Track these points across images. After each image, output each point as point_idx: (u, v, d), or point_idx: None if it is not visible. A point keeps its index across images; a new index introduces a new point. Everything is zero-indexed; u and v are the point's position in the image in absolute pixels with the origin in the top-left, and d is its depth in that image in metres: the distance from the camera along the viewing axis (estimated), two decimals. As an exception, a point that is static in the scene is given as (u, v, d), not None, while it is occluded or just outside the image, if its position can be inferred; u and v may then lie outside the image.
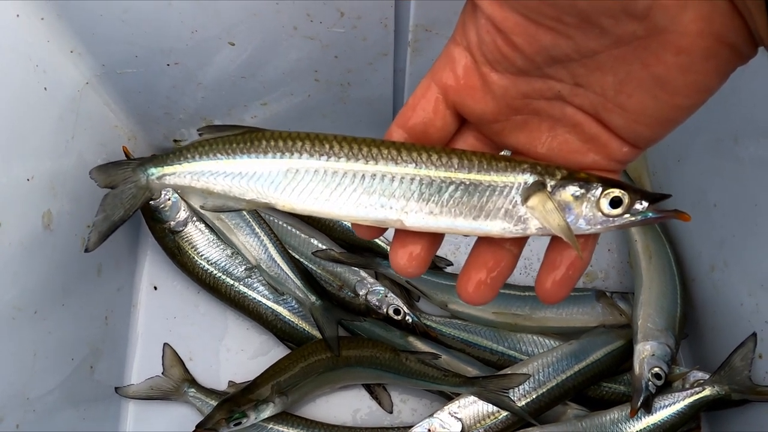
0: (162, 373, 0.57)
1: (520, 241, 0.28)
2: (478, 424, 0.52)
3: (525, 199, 0.26)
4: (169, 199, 0.58)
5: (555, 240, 0.27)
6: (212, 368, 0.59)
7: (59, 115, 0.49)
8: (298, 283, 0.56)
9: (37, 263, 0.44)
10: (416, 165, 0.25)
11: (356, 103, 0.60)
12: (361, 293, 0.59)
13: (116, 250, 0.59)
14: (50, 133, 0.47)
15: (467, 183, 0.25)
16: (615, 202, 0.24)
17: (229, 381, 0.56)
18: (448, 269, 0.62)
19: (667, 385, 0.52)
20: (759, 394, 0.48)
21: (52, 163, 0.48)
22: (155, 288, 0.62)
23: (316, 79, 0.57)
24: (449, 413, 0.52)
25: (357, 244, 0.62)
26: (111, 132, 0.58)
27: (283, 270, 0.57)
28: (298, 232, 0.62)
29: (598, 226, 0.25)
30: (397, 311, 0.58)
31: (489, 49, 0.25)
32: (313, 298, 0.56)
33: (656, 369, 0.51)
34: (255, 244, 0.58)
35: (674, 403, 0.51)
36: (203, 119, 0.62)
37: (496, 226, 0.26)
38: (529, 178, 0.26)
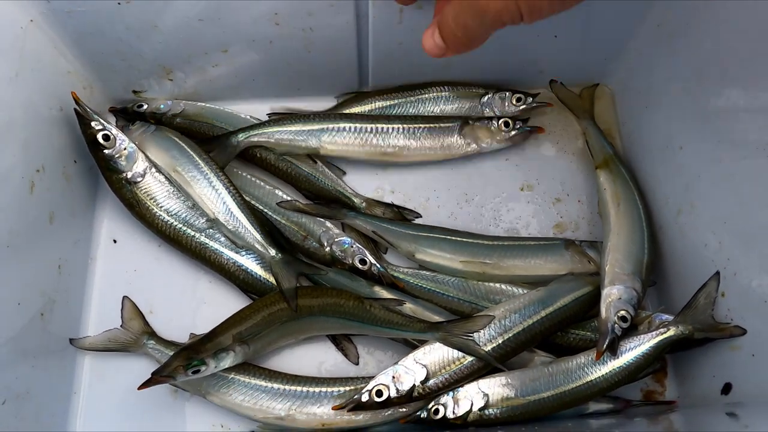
0: (120, 326, 0.55)
1: None
2: (443, 370, 0.51)
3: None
4: (125, 149, 0.56)
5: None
6: (173, 321, 0.57)
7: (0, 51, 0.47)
8: (258, 236, 0.55)
9: (-23, 201, 0.43)
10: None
11: (320, 52, 0.59)
12: (326, 243, 0.58)
13: (71, 200, 0.57)
14: (-10, 68, 0.45)
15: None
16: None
17: (191, 333, 0.55)
18: (417, 221, 0.62)
19: (632, 328, 0.52)
20: (720, 331, 0.48)
21: (-5, 102, 0.46)
22: (114, 241, 0.61)
23: (276, 23, 0.55)
24: (414, 360, 0.51)
25: (323, 196, 0.61)
26: (64, 78, 0.56)
27: (241, 223, 0.56)
28: (261, 183, 0.60)
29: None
30: (362, 261, 0.57)
31: None
32: (272, 251, 0.54)
33: (622, 312, 0.50)
34: (212, 197, 0.56)
35: (639, 345, 0.51)
36: (162, 68, 0.60)
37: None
38: None
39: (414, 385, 0.50)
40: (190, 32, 0.55)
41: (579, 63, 0.63)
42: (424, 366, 0.51)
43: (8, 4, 0.47)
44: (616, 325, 0.50)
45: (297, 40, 0.57)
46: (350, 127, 0.60)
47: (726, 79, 0.47)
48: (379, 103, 0.64)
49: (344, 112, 0.63)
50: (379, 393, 0.50)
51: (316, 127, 0.60)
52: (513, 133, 0.61)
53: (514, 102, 0.62)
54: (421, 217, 0.61)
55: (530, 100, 0.62)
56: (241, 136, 0.59)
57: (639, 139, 0.61)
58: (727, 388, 0.48)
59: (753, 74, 0.44)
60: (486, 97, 0.63)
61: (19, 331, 0.47)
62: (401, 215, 0.61)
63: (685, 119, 0.53)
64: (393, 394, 0.50)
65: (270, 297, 0.53)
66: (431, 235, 0.58)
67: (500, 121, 0.61)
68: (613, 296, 0.52)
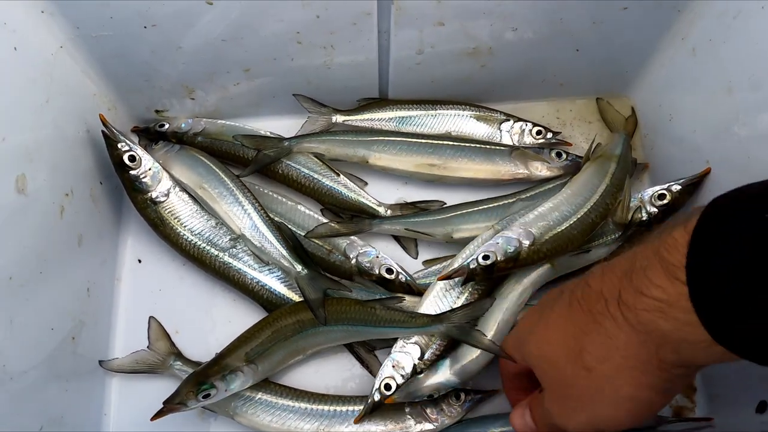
0: (147, 347, 0.55)
1: None
2: (433, 339, 0.52)
3: None
4: (150, 169, 0.57)
5: None
6: (199, 341, 0.57)
7: (32, 78, 0.47)
8: (283, 252, 0.55)
9: (10, 228, 0.43)
10: None
11: (341, 67, 0.59)
12: (351, 256, 0.58)
13: (98, 222, 0.57)
14: (22, 96, 0.46)
15: None
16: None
17: (216, 353, 0.55)
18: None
19: (489, 268, 0.50)
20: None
21: (26, 127, 0.46)
22: (139, 261, 0.61)
23: (298, 42, 0.55)
24: (403, 343, 0.52)
25: (346, 208, 0.61)
26: (90, 100, 0.57)
27: (267, 239, 0.56)
28: (284, 199, 0.61)
29: None
30: (389, 271, 0.57)
31: None
32: (298, 267, 0.54)
33: (489, 252, 0.50)
34: (239, 213, 0.57)
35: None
36: (185, 88, 0.61)
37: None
38: None
39: (414, 363, 0.51)
40: (213, 52, 0.56)
41: (600, 75, 0.63)
42: (416, 343, 0.52)
43: (40, 31, 0.48)
44: (474, 260, 0.50)
45: (318, 57, 0.57)
46: (400, 140, 0.61)
47: (757, 93, 0.47)
48: (399, 113, 0.64)
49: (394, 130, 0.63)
50: (388, 387, 0.50)
51: (367, 138, 0.61)
52: (565, 163, 0.60)
53: (533, 134, 0.62)
54: (445, 203, 0.61)
55: (550, 135, 0.62)
56: (294, 141, 0.61)
57: (661, 151, 0.61)
58: (762, 407, 0.47)
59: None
60: (506, 124, 0.63)
61: (50, 354, 0.47)
62: (425, 206, 0.61)
63: (712, 133, 0.53)
64: (399, 381, 0.50)
65: (274, 314, 0.54)
66: (464, 211, 0.58)
67: (553, 151, 0.60)
68: (496, 238, 0.51)
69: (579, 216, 0.52)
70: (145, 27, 0.51)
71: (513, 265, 0.51)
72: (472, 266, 0.50)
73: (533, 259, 0.52)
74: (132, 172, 0.56)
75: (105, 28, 0.51)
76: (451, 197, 0.62)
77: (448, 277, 0.51)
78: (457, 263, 0.53)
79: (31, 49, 0.47)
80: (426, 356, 0.51)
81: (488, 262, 0.50)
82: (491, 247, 0.51)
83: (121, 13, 0.49)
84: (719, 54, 0.50)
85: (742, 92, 0.48)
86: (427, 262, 0.60)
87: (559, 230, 0.52)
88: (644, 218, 0.55)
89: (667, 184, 0.55)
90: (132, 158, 0.56)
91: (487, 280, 0.52)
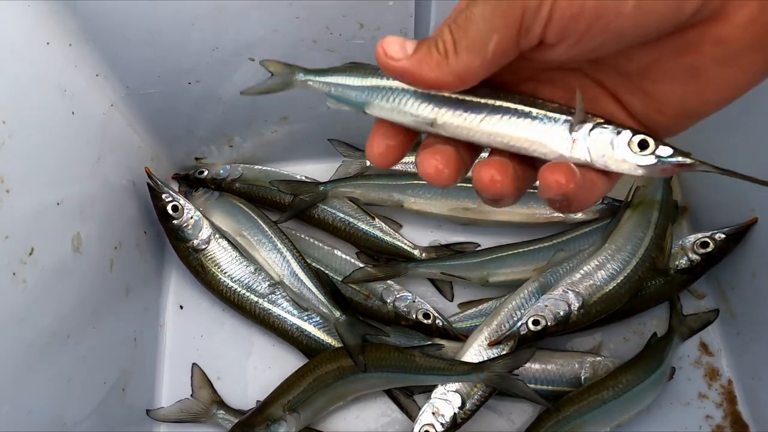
0: (191, 395, 0.56)
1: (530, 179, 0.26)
2: (475, 389, 0.51)
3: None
4: (191, 218, 0.58)
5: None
6: (240, 387, 0.58)
7: (86, 139, 0.49)
8: (322, 298, 0.56)
9: (68, 287, 0.44)
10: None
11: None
12: (388, 300, 0.58)
13: (143, 271, 0.59)
14: (78, 157, 0.48)
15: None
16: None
17: (257, 400, 0.56)
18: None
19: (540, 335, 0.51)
20: None
21: (80, 187, 0.48)
22: (181, 307, 0.62)
23: (336, 92, 0.56)
24: (444, 390, 0.51)
25: (382, 251, 0.61)
26: (135, 152, 0.58)
27: (306, 285, 0.56)
28: (320, 244, 0.61)
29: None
30: (426, 315, 0.57)
31: None
32: (337, 313, 0.55)
33: (538, 317, 0.50)
34: (277, 260, 0.57)
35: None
36: (224, 135, 0.62)
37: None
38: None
39: (455, 413, 0.50)
40: (252, 102, 0.57)
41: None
42: (456, 391, 0.51)
43: (93, 93, 0.49)
44: (524, 325, 0.50)
45: (354, 105, 0.58)
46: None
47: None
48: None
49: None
50: None
51: (401, 182, 0.61)
52: (601, 207, 0.60)
53: None
54: (479, 245, 0.61)
55: None
56: (329, 186, 0.61)
57: (702, 194, 0.60)
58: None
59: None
60: None
61: (101, 405, 0.48)
62: (460, 249, 0.61)
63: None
64: (439, 429, 0.50)
65: (314, 361, 0.54)
66: (499, 255, 0.58)
67: None
68: (545, 300, 0.51)
69: (626, 274, 0.52)
70: (189, 83, 0.53)
71: (563, 328, 0.51)
72: (522, 331, 0.51)
73: (583, 322, 0.52)
74: (175, 222, 0.57)
75: (153, 86, 0.52)
76: (486, 239, 0.62)
77: (498, 342, 0.51)
78: (501, 316, 0.53)
79: (85, 111, 0.49)
80: (467, 406, 0.51)
81: (539, 327, 0.50)
82: (540, 311, 0.51)
83: (168, 71, 0.51)
84: (762, 94, 0.50)
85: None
86: (463, 305, 0.60)
87: (607, 290, 0.52)
88: (686, 265, 0.55)
89: (711, 233, 0.54)
90: (175, 208, 0.57)
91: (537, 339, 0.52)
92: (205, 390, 0.56)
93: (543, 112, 0.25)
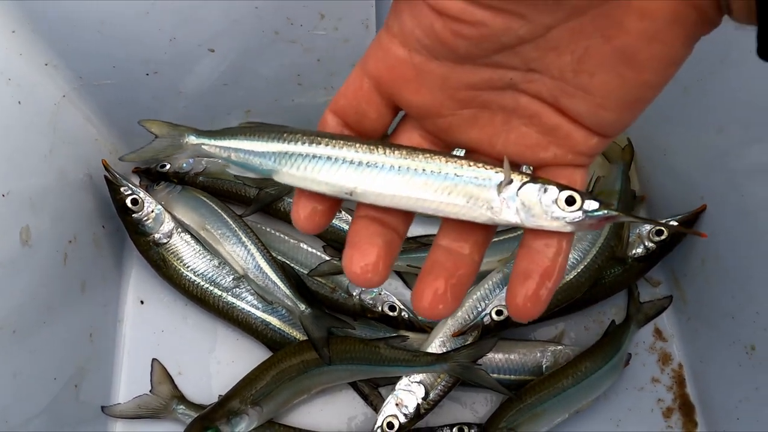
0: (150, 391, 0.55)
1: (481, 248, 0.25)
2: (438, 380, 0.52)
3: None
4: (152, 211, 0.57)
5: (525, 248, 0.24)
6: (202, 381, 0.57)
7: (36, 130, 0.48)
8: (287, 291, 0.55)
9: (14, 281, 0.43)
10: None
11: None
12: (354, 293, 0.58)
13: (101, 265, 0.57)
14: (26, 148, 0.46)
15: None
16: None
17: (219, 395, 0.55)
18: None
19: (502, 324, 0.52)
20: None
21: (30, 179, 0.47)
22: (141, 302, 0.61)
23: (299, 83, 0.56)
24: (408, 380, 0.52)
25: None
26: (92, 145, 0.57)
27: (270, 279, 0.56)
28: (286, 237, 0.61)
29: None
30: (392, 308, 0.57)
31: (426, 35, 0.22)
32: (302, 306, 0.55)
33: (501, 307, 0.52)
34: (241, 254, 0.57)
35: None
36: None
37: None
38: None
39: (418, 403, 0.51)
40: (214, 96, 0.56)
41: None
42: (420, 382, 0.52)
43: (43, 83, 0.48)
44: (487, 316, 0.52)
45: (319, 96, 0.58)
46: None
47: (747, 133, 0.48)
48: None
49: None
50: (390, 425, 0.51)
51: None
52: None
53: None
54: None
55: None
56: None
57: (657, 184, 0.62)
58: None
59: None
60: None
61: (52, 403, 0.47)
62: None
63: (706, 169, 0.54)
64: (402, 420, 0.51)
65: (277, 355, 0.54)
66: None
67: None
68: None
69: (586, 263, 0.53)
70: (147, 74, 0.52)
71: None
72: (486, 322, 0.52)
73: (546, 311, 0.52)
74: (135, 215, 0.56)
75: (108, 76, 0.51)
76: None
77: (462, 333, 0.52)
78: (465, 307, 0.53)
79: (34, 101, 0.47)
80: (431, 396, 0.52)
81: (502, 317, 0.51)
82: (503, 301, 0.52)
83: (124, 62, 0.50)
84: (710, 94, 0.52)
85: (732, 132, 0.49)
86: (430, 297, 0.60)
87: (568, 279, 0.53)
88: (642, 253, 0.56)
89: (665, 221, 0.56)
90: (134, 201, 0.56)
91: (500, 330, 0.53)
92: (165, 385, 0.55)
93: (471, 174, 0.24)
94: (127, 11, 0.45)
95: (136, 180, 0.63)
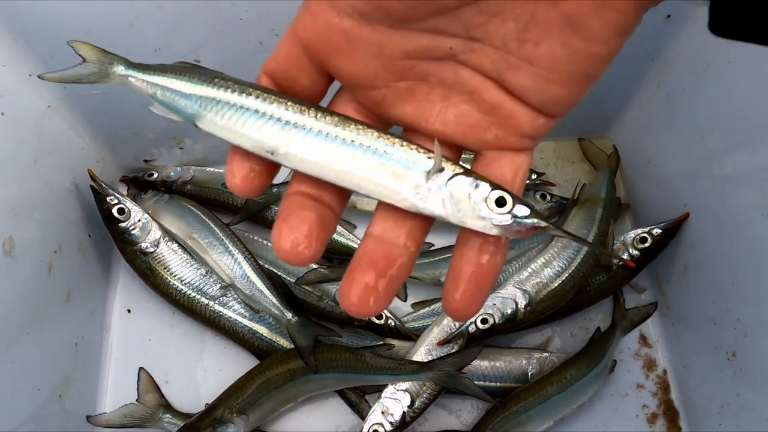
0: (136, 400, 0.55)
1: (417, 238, 0.23)
2: (424, 388, 0.52)
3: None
4: (139, 220, 0.57)
5: (460, 247, 0.23)
6: (189, 390, 0.57)
7: (20, 140, 0.48)
8: (274, 300, 0.56)
9: (-3, 292, 0.43)
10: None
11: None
12: (340, 304, 0.58)
13: (87, 275, 0.58)
14: (10, 159, 0.46)
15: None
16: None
17: (206, 403, 0.55)
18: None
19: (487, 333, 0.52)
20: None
21: (14, 189, 0.47)
22: (129, 311, 0.61)
23: (285, 94, 0.56)
24: (394, 389, 0.52)
25: (335, 252, 0.62)
26: (78, 154, 0.57)
27: (257, 287, 0.56)
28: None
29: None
30: (378, 316, 0.57)
31: None
32: (289, 315, 0.55)
33: (486, 316, 0.52)
34: (229, 263, 0.57)
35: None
36: (173, 138, 0.62)
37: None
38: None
39: (404, 411, 0.51)
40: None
41: (582, 117, 0.65)
42: (406, 390, 0.52)
43: (27, 94, 0.48)
44: (472, 324, 0.52)
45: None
46: None
47: (727, 141, 0.49)
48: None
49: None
50: None
51: None
52: (550, 204, 0.61)
53: None
54: (434, 245, 0.62)
55: (534, 176, 0.63)
56: (282, 187, 0.60)
57: (642, 191, 0.63)
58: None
59: (754, 136, 0.46)
60: None
61: (36, 413, 0.47)
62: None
63: (689, 177, 0.54)
64: (388, 428, 0.51)
65: (264, 363, 0.54)
66: (450, 255, 0.58)
67: (537, 194, 0.61)
68: (493, 298, 0.53)
69: (571, 271, 0.54)
70: (133, 84, 0.52)
71: (511, 326, 0.52)
72: (471, 330, 0.52)
73: (529, 319, 0.53)
74: (121, 225, 0.56)
75: (93, 87, 0.51)
76: (439, 239, 0.63)
77: (447, 341, 0.52)
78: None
79: (18, 112, 0.47)
80: (416, 404, 0.52)
81: (487, 326, 0.52)
82: (488, 309, 0.52)
83: (109, 72, 0.50)
84: (692, 102, 0.52)
85: (714, 139, 0.50)
86: (416, 305, 0.61)
87: (553, 287, 0.53)
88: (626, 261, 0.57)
89: (648, 228, 0.56)
90: (121, 211, 0.56)
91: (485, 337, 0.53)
92: (152, 394, 0.55)
93: (401, 154, 0.22)
94: (112, 22, 0.45)
95: (123, 188, 0.64)
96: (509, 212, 0.22)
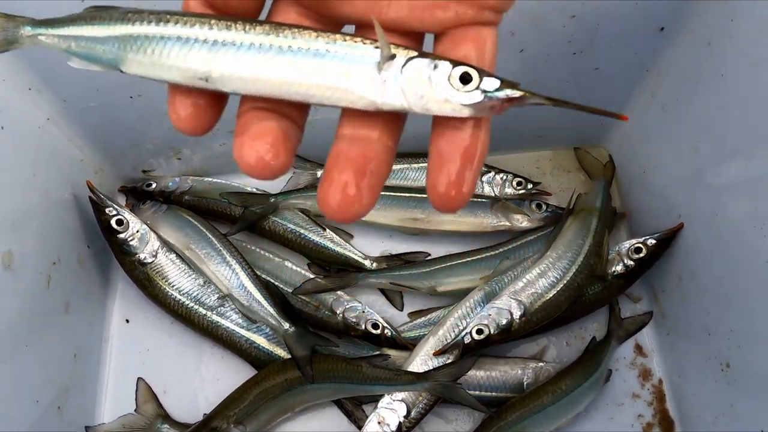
0: (135, 410, 0.56)
1: (393, 132, 0.21)
2: (420, 398, 0.52)
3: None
4: (137, 231, 0.57)
5: (436, 129, 0.20)
6: (188, 400, 0.58)
7: (19, 153, 0.48)
8: (271, 310, 0.56)
9: (-4, 306, 0.43)
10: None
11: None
12: (338, 311, 0.59)
13: (86, 285, 0.58)
14: (9, 172, 0.47)
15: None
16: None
17: (204, 414, 0.55)
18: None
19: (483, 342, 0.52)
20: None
21: (13, 202, 0.47)
22: (127, 321, 0.61)
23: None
24: (390, 399, 0.52)
25: (333, 262, 0.62)
26: (76, 166, 0.58)
27: (254, 298, 0.57)
28: (271, 255, 0.61)
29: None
30: (375, 325, 0.58)
31: None
32: (286, 325, 0.55)
33: (482, 326, 0.52)
34: (226, 273, 0.57)
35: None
36: (171, 148, 0.62)
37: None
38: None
39: (400, 421, 0.52)
40: (199, 115, 0.57)
41: (577, 127, 0.65)
42: (402, 400, 0.52)
43: (27, 107, 0.49)
44: (468, 334, 0.52)
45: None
46: (384, 194, 0.61)
47: (721, 152, 0.49)
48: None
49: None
50: None
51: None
52: (545, 214, 0.61)
53: (514, 185, 0.63)
54: (430, 255, 0.62)
55: (530, 186, 0.63)
56: (280, 197, 0.62)
57: (637, 201, 0.63)
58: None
59: (746, 147, 0.46)
60: (487, 176, 0.64)
61: (35, 425, 0.47)
62: (410, 259, 0.62)
63: (683, 187, 0.55)
64: None
65: (261, 374, 0.54)
66: (447, 264, 0.59)
67: (533, 203, 0.62)
68: (488, 309, 0.53)
69: (566, 281, 0.54)
70: (131, 97, 0.53)
71: (506, 336, 0.53)
72: (466, 341, 0.52)
73: (525, 329, 0.53)
74: (120, 236, 0.57)
75: (92, 99, 0.52)
76: (435, 248, 0.63)
77: (443, 352, 0.52)
78: (447, 325, 0.54)
79: (18, 125, 0.48)
80: (412, 414, 0.52)
81: (482, 336, 0.52)
82: (484, 320, 0.52)
83: (107, 85, 0.51)
84: (686, 112, 0.53)
85: (708, 150, 0.50)
86: (413, 314, 0.61)
87: (548, 297, 0.54)
88: (622, 271, 0.57)
89: (644, 238, 0.56)
90: (119, 222, 0.57)
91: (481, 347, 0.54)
92: (150, 404, 0.56)
93: (344, 50, 0.20)
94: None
95: (121, 199, 0.64)
96: (477, 88, 0.19)
